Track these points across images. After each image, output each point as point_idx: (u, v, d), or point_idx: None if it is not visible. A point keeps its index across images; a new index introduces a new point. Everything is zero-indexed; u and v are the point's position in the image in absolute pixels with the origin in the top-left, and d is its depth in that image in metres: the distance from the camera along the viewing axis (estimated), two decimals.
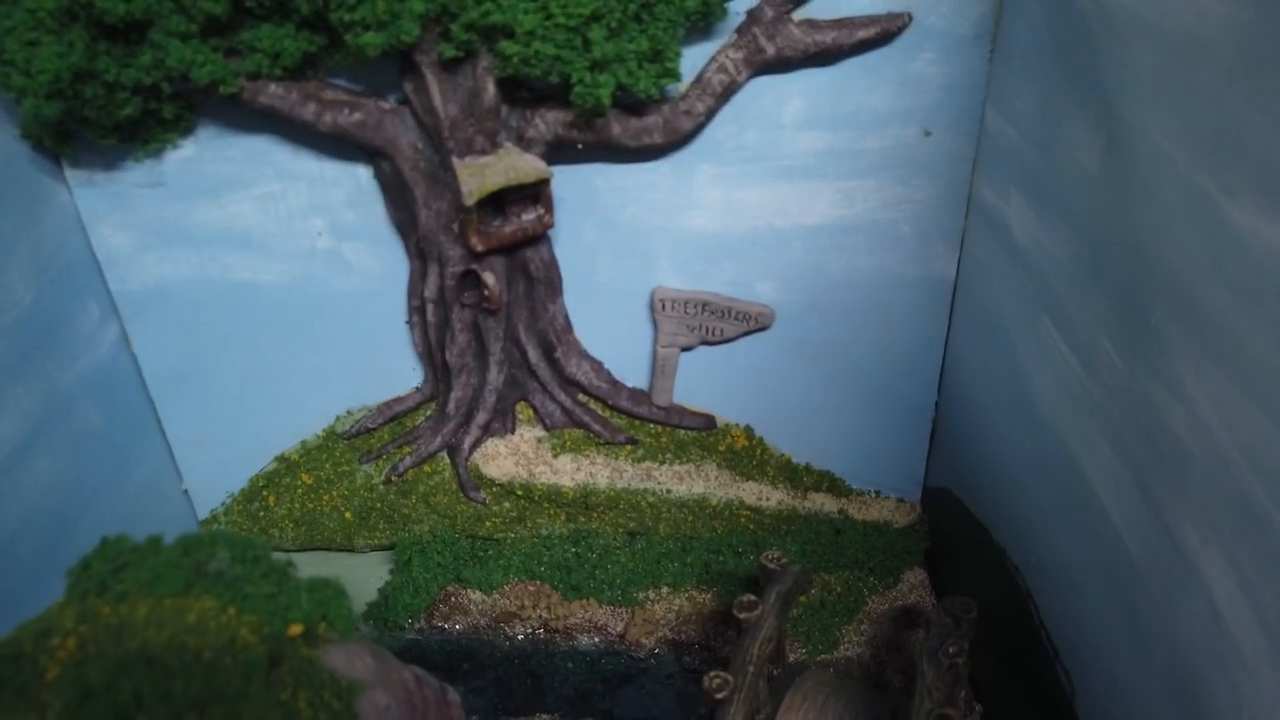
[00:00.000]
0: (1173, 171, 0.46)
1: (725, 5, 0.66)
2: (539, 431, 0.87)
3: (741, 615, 0.67)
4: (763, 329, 0.81)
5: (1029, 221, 0.64)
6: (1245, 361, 0.41)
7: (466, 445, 0.85)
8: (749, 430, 0.88)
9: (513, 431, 0.87)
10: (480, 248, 0.71)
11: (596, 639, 0.84)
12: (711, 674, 0.61)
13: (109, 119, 0.66)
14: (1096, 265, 0.55)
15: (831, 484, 0.90)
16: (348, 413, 0.88)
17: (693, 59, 0.68)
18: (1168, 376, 0.47)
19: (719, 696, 0.60)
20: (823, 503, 0.90)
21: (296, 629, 0.51)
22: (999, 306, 0.71)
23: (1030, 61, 0.63)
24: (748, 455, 0.88)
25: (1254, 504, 0.41)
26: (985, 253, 0.73)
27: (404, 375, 0.85)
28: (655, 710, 0.79)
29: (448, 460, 0.87)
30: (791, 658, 0.81)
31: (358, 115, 0.69)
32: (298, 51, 0.65)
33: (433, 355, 0.82)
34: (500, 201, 0.71)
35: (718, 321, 0.80)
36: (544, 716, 0.77)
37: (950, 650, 0.62)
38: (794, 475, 0.89)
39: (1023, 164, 0.65)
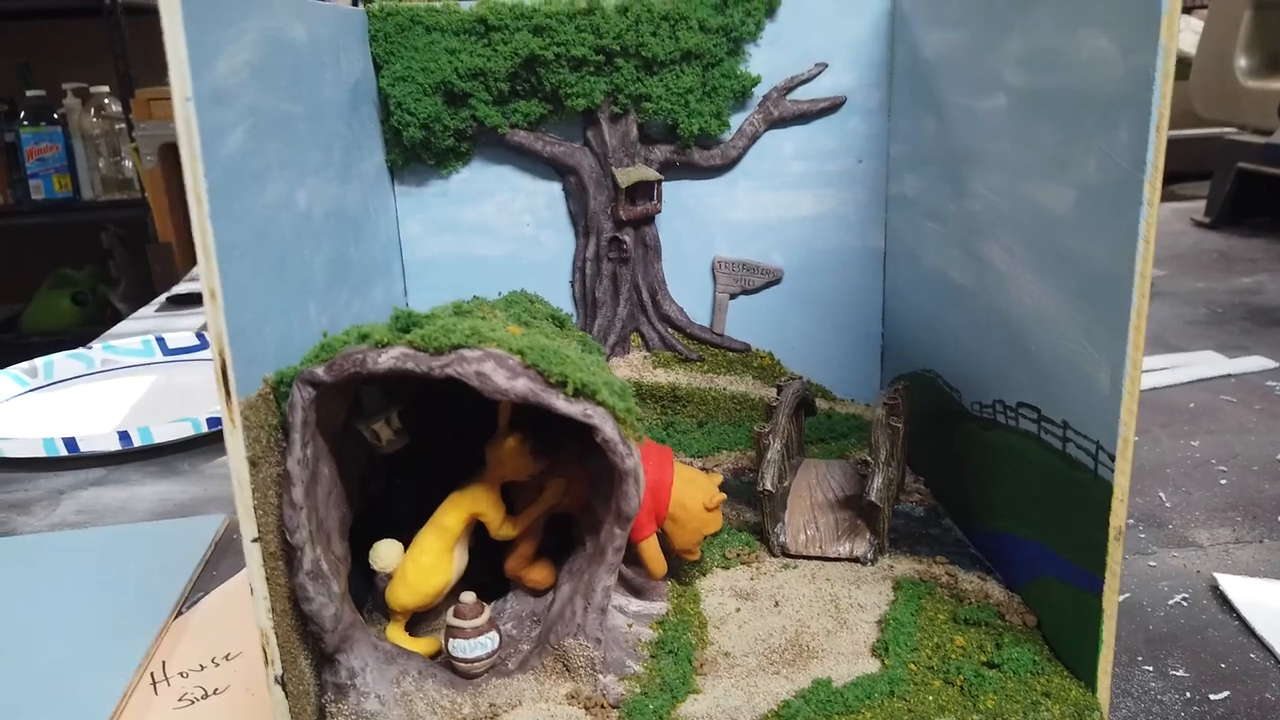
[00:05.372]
0: (956, 116, 1.08)
1: (753, 90, 1.31)
2: (644, 353, 1.43)
3: (773, 403, 1.21)
4: (777, 282, 1.40)
5: (915, 182, 1.26)
6: (1007, 166, 1.00)
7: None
8: (770, 354, 1.44)
9: (628, 353, 1.42)
10: (624, 218, 1.32)
11: None
12: (758, 425, 1.14)
13: (437, 148, 1.28)
14: (942, 179, 1.15)
15: (823, 393, 1.45)
16: None
17: (736, 119, 1.32)
18: (974, 196, 1.06)
19: (765, 431, 1.12)
20: (819, 404, 1.44)
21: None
22: (906, 243, 1.31)
23: (906, 109, 1.27)
24: (771, 370, 1.44)
25: (1016, 218, 0.98)
26: (898, 224, 1.34)
27: None
28: None
29: None
30: None
31: (562, 148, 1.31)
32: (536, 113, 1.29)
33: (586, 297, 1.39)
34: (633, 195, 1.32)
35: (751, 275, 1.39)
36: None
37: (891, 394, 1.16)
38: None
39: (908, 157, 1.27)
